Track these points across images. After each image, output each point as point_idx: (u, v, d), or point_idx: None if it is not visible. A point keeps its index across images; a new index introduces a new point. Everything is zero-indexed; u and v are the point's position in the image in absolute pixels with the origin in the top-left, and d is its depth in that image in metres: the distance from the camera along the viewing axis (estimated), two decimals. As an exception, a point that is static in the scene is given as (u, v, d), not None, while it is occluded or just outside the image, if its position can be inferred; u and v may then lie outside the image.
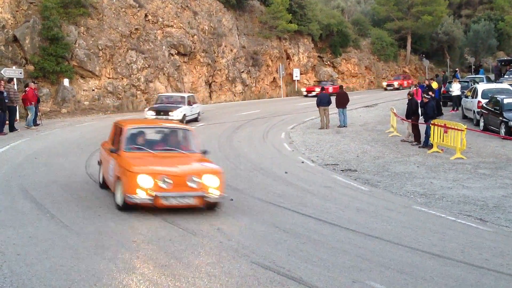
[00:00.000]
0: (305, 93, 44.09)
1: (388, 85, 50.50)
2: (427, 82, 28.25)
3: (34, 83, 22.53)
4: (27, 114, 21.54)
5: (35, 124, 21.64)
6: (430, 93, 20.69)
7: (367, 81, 54.65)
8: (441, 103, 24.71)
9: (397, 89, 48.66)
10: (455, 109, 27.69)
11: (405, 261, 7.37)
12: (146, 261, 6.95)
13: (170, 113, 22.42)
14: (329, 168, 14.96)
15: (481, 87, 24.64)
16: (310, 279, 6.53)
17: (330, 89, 40.20)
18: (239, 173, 13.77)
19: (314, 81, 48.11)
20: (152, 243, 7.67)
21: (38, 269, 6.50)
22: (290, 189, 12.06)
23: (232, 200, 10.52)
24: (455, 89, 28.04)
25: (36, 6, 27.51)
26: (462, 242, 8.40)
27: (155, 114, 22.55)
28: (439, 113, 20.47)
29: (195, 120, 24.86)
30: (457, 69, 47.24)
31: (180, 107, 23.40)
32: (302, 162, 15.80)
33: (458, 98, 27.45)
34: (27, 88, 21.62)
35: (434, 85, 28.01)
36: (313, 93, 41.41)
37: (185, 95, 25.85)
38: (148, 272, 6.57)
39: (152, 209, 9.04)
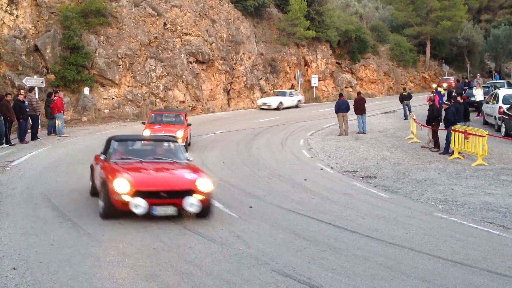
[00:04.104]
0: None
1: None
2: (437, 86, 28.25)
3: (56, 92, 22.77)
4: (55, 123, 21.70)
5: (55, 132, 21.80)
6: (459, 98, 20.44)
7: (386, 87, 54.23)
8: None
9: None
10: (479, 114, 27.26)
11: (426, 269, 7.29)
12: (167, 268, 6.97)
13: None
14: (348, 175, 14.90)
15: (502, 92, 24.22)
16: (331, 287, 6.50)
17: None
18: (258, 180, 13.78)
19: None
20: (172, 251, 7.70)
21: (60, 277, 6.57)
22: (310, 196, 12.03)
23: (251, 207, 10.55)
24: (478, 94, 27.68)
25: (57, 16, 27.91)
26: (485, 249, 8.29)
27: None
28: (467, 119, 20.29)
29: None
30: (478, 74, 46.70)
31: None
32: (321, 169, 15.75)
33: (481, 103, 27.06)
34: (55, 97, 21.76)
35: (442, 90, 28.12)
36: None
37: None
38: (169, 279, 6.59)
39: (172, 217, 9.19)
